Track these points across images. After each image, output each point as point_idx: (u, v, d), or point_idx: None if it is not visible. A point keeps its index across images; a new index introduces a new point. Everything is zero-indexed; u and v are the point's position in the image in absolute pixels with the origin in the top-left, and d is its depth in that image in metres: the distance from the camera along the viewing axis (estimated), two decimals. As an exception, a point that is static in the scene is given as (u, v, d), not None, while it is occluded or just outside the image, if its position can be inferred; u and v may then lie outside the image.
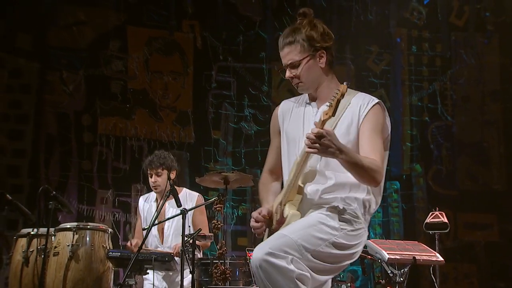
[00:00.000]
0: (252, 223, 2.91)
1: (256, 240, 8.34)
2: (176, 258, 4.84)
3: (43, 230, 4.65)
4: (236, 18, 8.01)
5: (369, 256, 5.08)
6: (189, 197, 5.32)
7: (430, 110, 8.02)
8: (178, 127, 7.67)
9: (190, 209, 4.86)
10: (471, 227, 7.72)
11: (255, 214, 2.90)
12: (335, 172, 2.77)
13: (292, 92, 8.00)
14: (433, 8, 8.06)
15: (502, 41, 7.98)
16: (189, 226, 4.91)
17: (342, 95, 2.53)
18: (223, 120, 7.85)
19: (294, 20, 3.02)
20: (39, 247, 4.63)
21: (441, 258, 5.10)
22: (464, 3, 8.06)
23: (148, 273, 4.89)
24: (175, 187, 5.24)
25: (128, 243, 5.13)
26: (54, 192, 4.68)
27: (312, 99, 2.99)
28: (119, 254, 4.77)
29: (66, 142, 7.19)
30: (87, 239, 4.69)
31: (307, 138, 2.57)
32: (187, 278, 4.78)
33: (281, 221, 2.80)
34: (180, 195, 5.17)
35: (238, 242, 7.53)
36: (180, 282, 4.55)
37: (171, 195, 4.78)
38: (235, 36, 7.97)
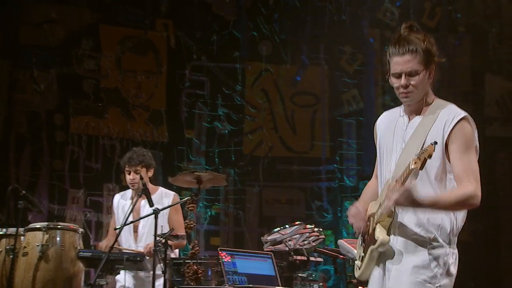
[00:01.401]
0: (350, 220, 3.03)
1: (229, 240, 8.36)
2: (148, 258, 4.82)
3: (12, 230, 4.61)
4: (210, 18, 7.99)
5: (342, 256, 5.10)
6: (166, 196, 5.31)
7: (402, 111, 8.06)
8: (151, 126, 7.63)
9: (162, 209, 4.84)
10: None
11: (352, 209, 3.02)
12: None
13: (265, 92, 8.04)
14: (405, 9, 8.12)
15: (474, 43, 8.07)
16: (162, 226, 4.88)
17: (430, 156, 2.62)
18: (196, 120, 7.82)
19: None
20: (7, 247, 4.60)
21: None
22: (436, 5, 8.13)
23: (119, 273, 4.86)
24: (152, 185, 5.25)
25: (100, 244, 5.09)
26: (23, 192, 4.64)
27: (406, 109, 3.03)
28: (90, 254, 4.74)
29: (37, 141, 7.12)
30: (58, 239, 4.65)
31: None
32: (160, 279, 4.75)
33: (372, 239, 2.91)
34: (156, 194, 5.18)
35: (211, 242, 7.52)
36: (152, 282, 4.53)
37: (143, 195, 4.77)
38: (209, 35, 7.95)
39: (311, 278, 4.94)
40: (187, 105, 7.78)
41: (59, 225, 4.80)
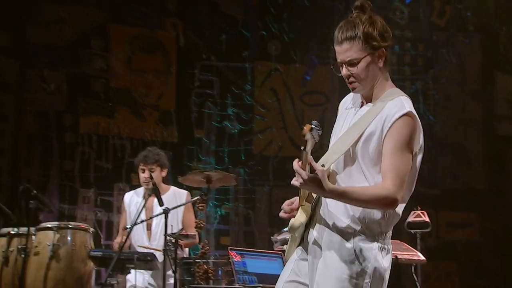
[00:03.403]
0: (281, 213, 2.81)
1: (239, 239, 8.36)
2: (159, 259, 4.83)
3: (23, 230, 4.63)
4: (219, 17, 7.99)
5: (352, 255, 5.08)
6: (178, 195, 5.33)
7: (412, 110, 8.04)
8: (161, 126, 7.64)
9: (172, 208, 4.85)
10: (452, 226, 7.77)
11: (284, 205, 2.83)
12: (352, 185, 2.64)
13: (274, 91, 8.04)
14: (415, 7, 8.10)
15: (483, 41, 8.04)
16: (171, 226, 4.90)
17: (303, 135, 2.50)
18: (206, 119, 7.82)
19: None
20: (19, 247, 4.60)
21: (422, 257, 5.13)
22: (446, 3, 8.11)
23: (130, 272, 4.87)
24: (164, 185, 5.27)
25: (114, 242, 5.11)
26: (35, 192, 4.65)
27: (362, 96, 2.81)
28: (101, 253, 4.75)
29: (47, 141, 7.13)
30: (69, 238, 4.67)
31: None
32: (171, 279, 4.76)
33: None
34: (167, 194, 5.21)
35: (221, 241, 7.52)
36: (162, 282, 4.54)
37: (153, 194, 4.78)
38: (218, 35, 7.95)
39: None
40: (196, 104, 7.78)
41: (70, 225, 4.82)
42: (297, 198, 2.78)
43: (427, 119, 8.04)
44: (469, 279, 7.53)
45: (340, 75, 2.76)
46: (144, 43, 7.73)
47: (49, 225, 4.72)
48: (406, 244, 5.29)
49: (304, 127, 2.51)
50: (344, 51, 2.71)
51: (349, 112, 2.83)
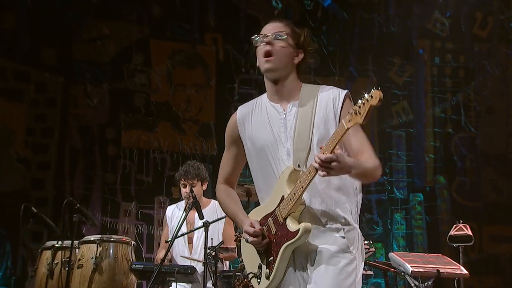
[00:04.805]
0: (252, 239, 2.76)
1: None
2: (199, 271, 4.86)
3: (67, 243, 4.69)
4: (258, 31, 8.02)
5: (393, 269, 5.04)
6: (218, 208, 5.34)
7: (453, 122, 7.97)
8: (201, 139, 7.70)
9: (212, 222, 4.87)
10: (496, 239, 7.63)
11: (250, 229, 2.76)
12: (330, 180, 2.70)
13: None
14: (456, 19, 8.03)
15: (526, 52, 7.92)
16: (211, 239, 4.92)
17: (380, 100, 2.44)
18: (245, 132, 7.84)
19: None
20: (63, 260, 4.67)
21: (465, 271, 5.06)
22: (488, 14, 8.01)
23: (171, 285, 4.91)
24: (205, 198, 5.30)
25: (157, 257, 5.16)
26: (78, 205, 4.73)
27: (274, 97, 2.90)
28: (142, 266, 4.78)
29: (90, 155, 7.26)
30: (111, 251, 4.72)
31: (318, 163, 2.50)
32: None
33: (284, 236, 2.69)
34: (208, 207, 5.23)
35: (261, 255, 7.51)
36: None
37: (194, 207, 4.81)
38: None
39: (361, 292, 4.89)
40: (236, 118, 7.82)
41: (112, 238, 4.86)
42: (253, 221, 2.78)
43: (468, 131, 7.93)
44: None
45: (260, 47, 2.86)
46: (184, 58, 7.82)
47: (92, 238, 4.79)
48: (448, 258, 5.23)
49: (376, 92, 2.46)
50: (275, 27, 2.87)
51: (270, 116, 2.86)
